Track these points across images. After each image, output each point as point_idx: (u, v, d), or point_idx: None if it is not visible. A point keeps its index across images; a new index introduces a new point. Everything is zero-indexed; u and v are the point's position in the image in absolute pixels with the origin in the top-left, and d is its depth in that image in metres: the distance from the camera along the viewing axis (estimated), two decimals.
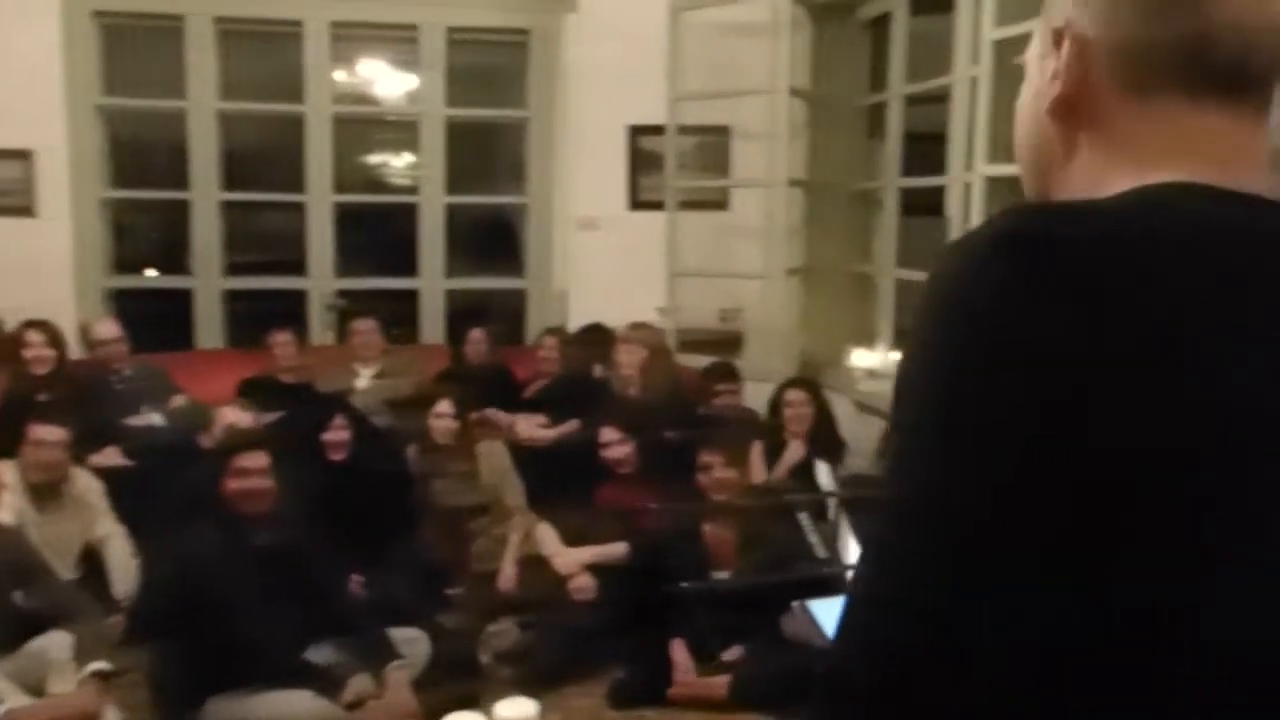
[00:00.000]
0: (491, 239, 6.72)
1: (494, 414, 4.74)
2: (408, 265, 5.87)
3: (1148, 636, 0.59)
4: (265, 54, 5.94)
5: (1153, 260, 0.63)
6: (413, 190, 6.09)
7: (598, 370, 5.14)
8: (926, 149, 4.83)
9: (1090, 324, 0.60)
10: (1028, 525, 0.60)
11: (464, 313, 5.91)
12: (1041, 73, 0.78)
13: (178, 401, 4.66)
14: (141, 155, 5.99)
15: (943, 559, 0.61)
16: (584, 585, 3.78)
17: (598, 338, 5.25)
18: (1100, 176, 0.73)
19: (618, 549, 3.85)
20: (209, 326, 5.62)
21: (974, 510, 0.60)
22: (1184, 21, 0.70)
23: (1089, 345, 0.60)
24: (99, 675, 3.02)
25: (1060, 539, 0.59)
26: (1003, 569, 0.60)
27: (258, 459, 3.27)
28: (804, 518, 2.43)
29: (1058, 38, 0.75)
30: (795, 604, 1.93)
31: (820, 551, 2.29)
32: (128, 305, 5.52)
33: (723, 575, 3.51)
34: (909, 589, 0.62)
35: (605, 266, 5.64)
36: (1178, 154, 0.71)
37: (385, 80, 6.28)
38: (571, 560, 3.83)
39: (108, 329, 4.76)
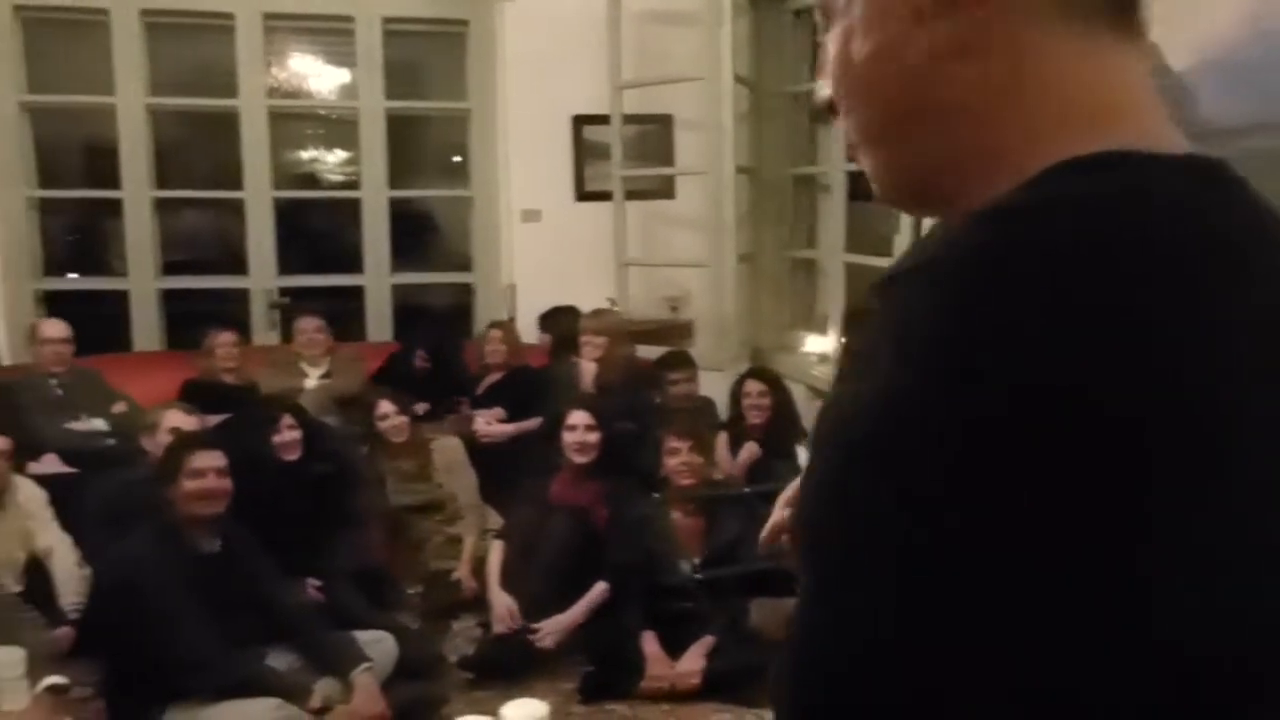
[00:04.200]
0: (419, 234, 6.59)
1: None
2: (345, 262, 5.76)
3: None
4: (195, 48, 5.76)
5: (1190, 290, 0.49)
6: (351, 186, 5.97)
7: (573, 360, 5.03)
8: None
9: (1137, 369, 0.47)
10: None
11: (409, 309, 5.82)
12: (896, 19, 0.59)
13: (119, 408, 4.50)
14: (59, 154, 5.78)
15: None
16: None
17: (569, 319, 5.11)
18: (1007, 141, 0.57)
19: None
20: (145, 328, 5.44)
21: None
22: None
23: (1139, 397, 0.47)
24: (52, 690, 2.91)
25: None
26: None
27: (214, 458, 3.15)
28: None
29: None
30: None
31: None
32: (53, 310, 5.29)
33: (691, 563, 3.49)
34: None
35: (551, 259, 5.58)
36: (1116, 106, 0.57)
37: (318, 75, 6.15)
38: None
39: (56, 329, 4.57)
